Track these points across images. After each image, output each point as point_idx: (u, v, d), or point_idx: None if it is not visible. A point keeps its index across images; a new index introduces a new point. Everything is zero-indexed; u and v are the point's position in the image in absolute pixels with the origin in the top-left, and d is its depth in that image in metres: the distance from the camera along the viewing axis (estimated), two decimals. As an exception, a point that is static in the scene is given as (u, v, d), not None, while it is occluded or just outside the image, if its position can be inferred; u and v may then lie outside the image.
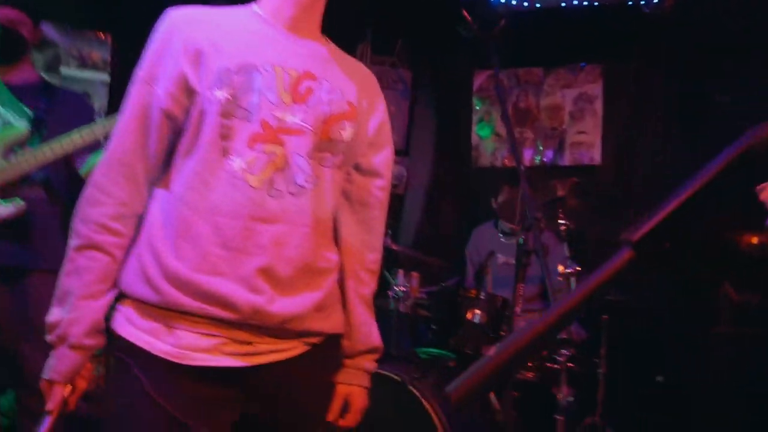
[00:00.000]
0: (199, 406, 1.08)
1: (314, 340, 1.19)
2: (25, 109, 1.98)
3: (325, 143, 1.15)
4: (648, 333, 3.43)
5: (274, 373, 1.12)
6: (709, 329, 3.24)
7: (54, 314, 1.11)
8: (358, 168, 1.27)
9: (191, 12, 1.16)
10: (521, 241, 2.05)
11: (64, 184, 2.01)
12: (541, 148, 4.17)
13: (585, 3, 3.56)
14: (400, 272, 3.07)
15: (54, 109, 2.01)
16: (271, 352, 1.13)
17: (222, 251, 1.07)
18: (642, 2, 3.40)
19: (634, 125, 3.93)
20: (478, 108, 4.37)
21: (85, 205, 1.12)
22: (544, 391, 2.71)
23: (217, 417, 1.11)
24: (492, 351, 0.43)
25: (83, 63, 3.69)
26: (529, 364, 2.60)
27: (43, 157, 1.85)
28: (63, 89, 2.35)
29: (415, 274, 2.99)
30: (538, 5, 3.65)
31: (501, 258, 3.22)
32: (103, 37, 3.73)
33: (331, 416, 1.26)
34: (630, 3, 3.43)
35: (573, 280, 2.35)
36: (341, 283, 1.27)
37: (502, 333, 2.62)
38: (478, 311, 2.55)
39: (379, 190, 1.29)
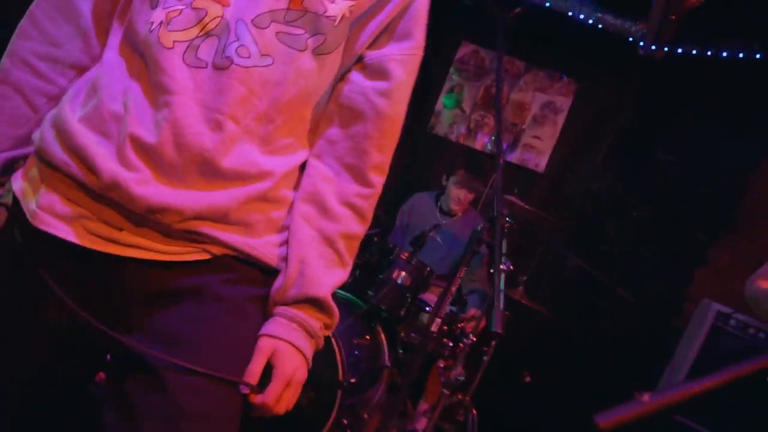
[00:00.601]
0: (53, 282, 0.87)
1: (215, 249, 0.90)
2: None
3: (294, 15, 0.88)
4: (534, 335, 3.72)
5: (151, 277, 0.88)
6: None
7: None
8: (360, 63, 0.98)
9: None
10: (479, 228, 2.13)
11: None
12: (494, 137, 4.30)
13: (590, 21, 3.64)
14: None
15: None
16: (145, 249, 0.87)
17: (117, 109, 0.87)
18: (641, 44, 3.53)
19: (583, 148, 4.14)
20: (453, 77, 4.38)
21: (14, 37, 0.96)
22: (432, 361, 2.92)
23: (62, 303, 0.86)
24: (646, 397, 0.47)
25: None
26: (434, 337, 2.74)
27: None
28: None
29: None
30: (547, 4, 3.67)
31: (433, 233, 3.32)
32: None
33: (244, 381, 0.87)
34: (630, 39, 3.55)
35: (503, 277, 2.49)
36: (292, 212, 0.98)
37: (416, 301, 2.73)
38: (404, 273, 2.63)
39: (380, 95, 0.96)
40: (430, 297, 3.00)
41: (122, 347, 0.87)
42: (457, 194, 3.24)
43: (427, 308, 2.78)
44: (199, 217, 0.87)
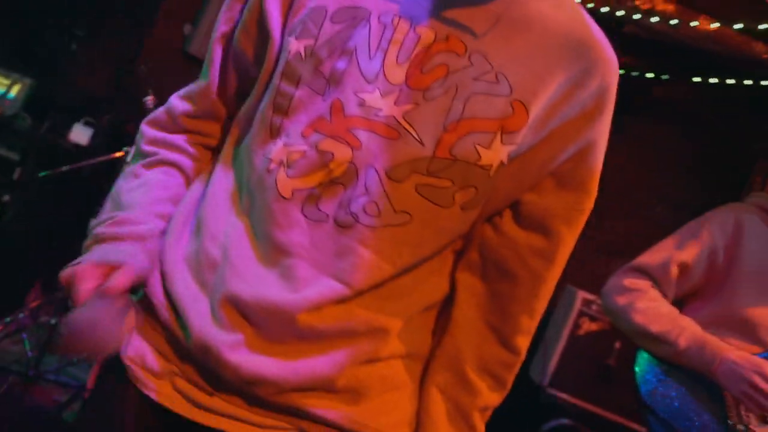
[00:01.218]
0: None
1: (314, 429, 0.77)
2: None
3: (441, 164, 0.72)
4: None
5: None
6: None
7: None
8: (514, 210, 0.80)
9: None
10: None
11: None
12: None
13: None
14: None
15: None
16: (237, 420, 0.76)
17: (215, 255, 0.77)
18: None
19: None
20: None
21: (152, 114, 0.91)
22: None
23: None
24: None
25: None
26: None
27: None
28: None
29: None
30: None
31: None
32: None
33: None
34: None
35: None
36: (425, 377, 0.84)
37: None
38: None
39: (537, 256, 0.80)
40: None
41: None
42: None
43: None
44: (298, 389, 0.75)
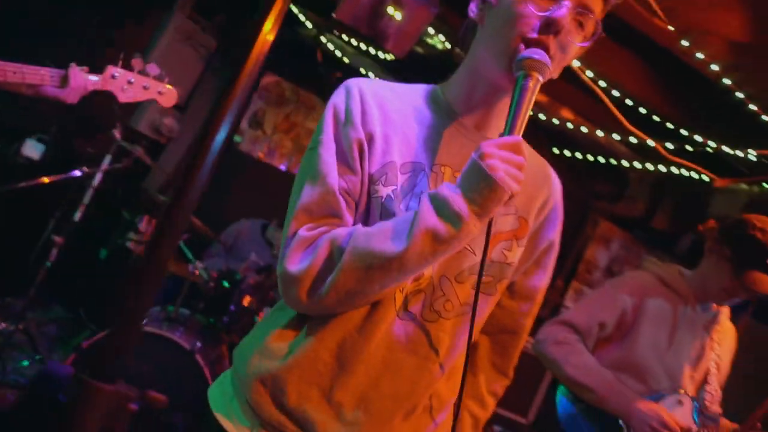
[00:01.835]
0: None
1: None
2: None
3: (486, 266, 0.97)
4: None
5: None
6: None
7: None
8: (509, 289, 1.12)
9: (372, 84, 1.02)
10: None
11: None
12: (293, 159, 5.04)
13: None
14: (145, 218, 3.49)
15: None
16: None
17: (328, 360, 0.96)
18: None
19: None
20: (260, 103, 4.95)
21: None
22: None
23: None
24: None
25: None
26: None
27: None
28: None
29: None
30: (345, 60, 4.51)
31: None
32: None
33: None
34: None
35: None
36: (465, 403, 1.14)
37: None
38: (251, 299, 3.27)
39: (525, 316, 1.14)
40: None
41: None
42: (278, 241, 3.94)
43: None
44: None
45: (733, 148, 3.25)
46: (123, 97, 1.73)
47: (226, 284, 3.25)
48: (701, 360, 2.06)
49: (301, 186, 0.96)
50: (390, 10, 2.94)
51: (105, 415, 2.19)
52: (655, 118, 3.26)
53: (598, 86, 2.97)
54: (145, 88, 1.75)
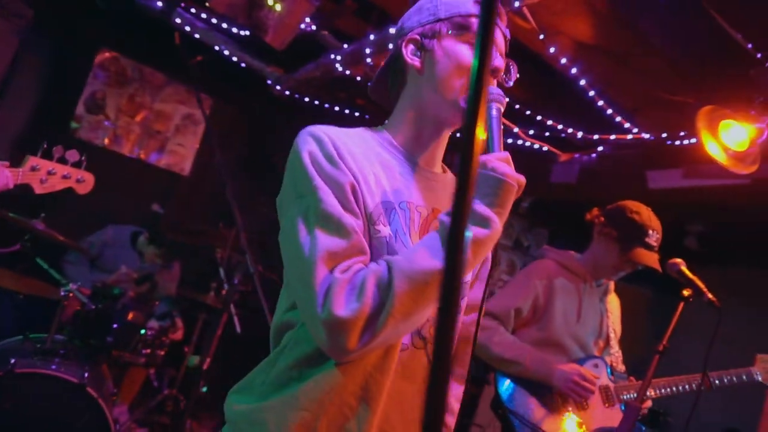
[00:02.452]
0: None
1: None
2: None
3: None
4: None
5: None
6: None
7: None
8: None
9: (330, 130, 1.06)
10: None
11: None
12: (144, 146, 4.60)
13: (233, 59, 4.33)
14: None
15: None
16: None
17: (354, 404, 1.00)
18: (269, 82, 4.44)
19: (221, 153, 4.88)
20: (97, 83, 4.40)
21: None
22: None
23: None
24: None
25: None
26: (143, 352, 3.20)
27: None
28: None
29: None
30: (197, 35, 4.18)
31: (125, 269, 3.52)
32: None
33: None
34: (269, 81, 4.42)
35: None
36: None
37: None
38: (135, 313, 3.01)
39: (471, 325, 1.21)
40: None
41: None
42: (150, 253, 3.68)
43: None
44: None
45: (571, 127, 3.70)
46: (40, 189, 1.76)
47: (103, 301, 2.95)
48: (602, 328, 2.40)
49: (309, 235, 0.95)
50: (270, 1, 2.79)
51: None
52: (517, 106, 3.56)
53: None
54: (65, 177, 1.82)
